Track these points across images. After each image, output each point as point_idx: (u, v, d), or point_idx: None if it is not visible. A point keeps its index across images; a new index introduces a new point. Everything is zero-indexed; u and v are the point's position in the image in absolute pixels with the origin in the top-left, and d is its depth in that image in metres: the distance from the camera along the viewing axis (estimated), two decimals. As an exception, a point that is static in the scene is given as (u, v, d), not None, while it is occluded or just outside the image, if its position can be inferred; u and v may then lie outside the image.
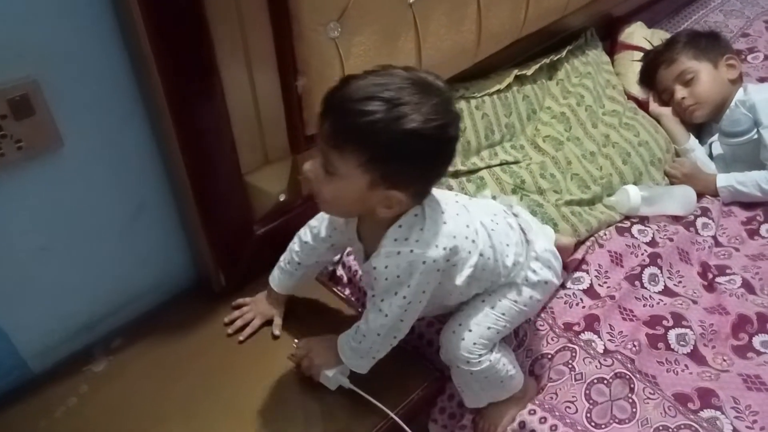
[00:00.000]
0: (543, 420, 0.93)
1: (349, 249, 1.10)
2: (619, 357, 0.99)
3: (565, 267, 1.17)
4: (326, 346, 0.91)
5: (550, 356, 1.02)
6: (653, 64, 1.56)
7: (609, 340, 1.03)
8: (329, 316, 1.04)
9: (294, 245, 0.98)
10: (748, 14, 1.96)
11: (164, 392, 0.94)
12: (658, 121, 1.52)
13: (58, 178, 0.85)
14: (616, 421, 0.91)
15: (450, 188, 1.20)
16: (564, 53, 1.52)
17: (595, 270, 1.17)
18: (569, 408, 0.93)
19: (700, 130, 1.56)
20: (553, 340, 1.05)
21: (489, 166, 1.28)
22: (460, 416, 1.01)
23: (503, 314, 0.90)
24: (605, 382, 0.95)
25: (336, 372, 0.90)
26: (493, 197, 1.02)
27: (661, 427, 0.89)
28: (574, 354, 1.01)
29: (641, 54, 1.63)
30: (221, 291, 1.07)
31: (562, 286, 1.14)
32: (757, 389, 0.95)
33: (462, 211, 0.84)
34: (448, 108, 0.72)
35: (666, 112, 1.53)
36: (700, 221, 1.30)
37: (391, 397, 0.90)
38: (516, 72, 1.40)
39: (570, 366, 0.99)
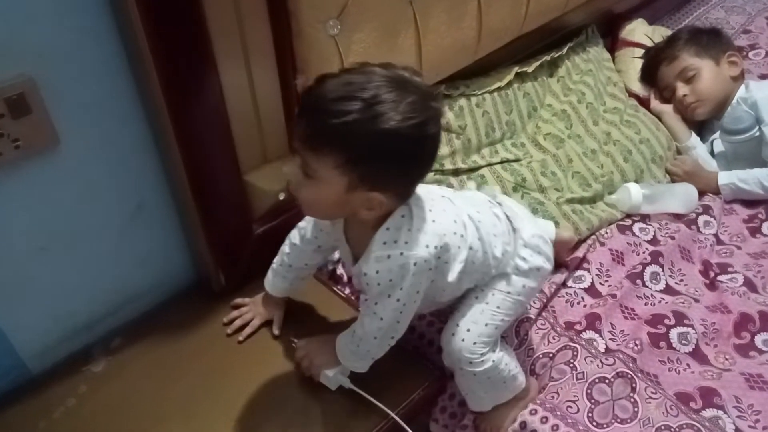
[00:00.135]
0: (544, 420, 0.93)
1: None
2: (621, 356, 0.98)
3: (567, 265, 1.17)
4: (326, 346, 0.90)
5: (551, 355, 1.02)
6: (654, 61, 1.56)
7: (610, 339, 1.03)
8: (329, 315, 1.04)
9: (284, 247, 0.96)
10: (750, 11, 1.95)
11: (164, 392, 0.93)
12: (660, 119, 1.52)
13: (56, 177, 0.85)
14: (618, 420, 0.91)
15: (450, 186, 1.19)
16: (565, 50, 1.52)
17: (597, 268, 1.16)
18: (571, 407, 0.93)
19: (702, 128, 1.56)
20: (554, 339, 1.04)
21: (490, 164, 1.27)
22: (461, 416, 1.01)
23: (498, 308, 0.88)
24: (607, 381, 0.95)
25: (336, 372, 0.90)
26: (477, 188, 1.00)
27: (663, 427, 0.89)
28: (575, 353, 1.00)
29: (642, 51, 1.62)
30: (221, 290, 1.06)
31: (564, 284, 1.13)
32: (759, 388, 0.94)
33: (448, 206, 0.83)
34: (427, 105, 0.69)
35: (667, 109, 1.53)
36: (701, 219, 1.30)
37: (392, 396, 0.90)
38: (517, 69, 1.40)
39: (571, 365, 0.98)
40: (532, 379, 0.99)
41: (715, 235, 1.28)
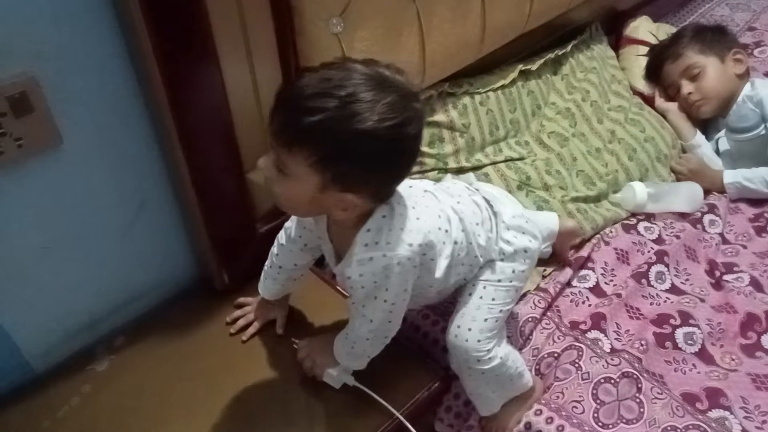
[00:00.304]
0: (550, 420, 0.92)
1: None
2: (626, 356, 0.98)
3: (571, 265, 1.16)
4: (328, 346, 0.90)
5: (556, 355, 1.01)
6: (659, 59, 1.55)
7: (616, 338, 1.02)
8: (332, 313, 1.03)
9: (273, 249, 0.95)
10: (755, 8, 1.94)
11: (167, 391, 0.93)
12: (664, 117, 1.51)
13: (58, 176, 0.85)
14: (624, 421, 0.90)
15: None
16: (569, 48, 1.51)
17: (601, 268, 1.16)
18: (576, 408, 0.93)
19: (707, 126, 1.55)
20: (559, 338, 1.04)
21: (494, 163, 1.26)
22: (467, 415, 1.00)
23: (493, 300, 0.88)
24: (612, 381, 0.95)
25: (340, 370, 0.89)
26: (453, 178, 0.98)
27: (669, 428, 0.88)
28: (580, 353, 1.00)
29: (647, 48, 1.61)
30: (224, 289, 1.06)
31: (568, 284, 1.13)
32: (766, 389, 0.94)
33: (432, 201, 0.82)
34: (407, 105, 0.66)
35: (672, 107, 1.52)
36: (707, 218, 1.29)
37: (397, 396, 0.90)
38: (520, 67, 1.39)
39: (576, 365, 0.98)
40: (537, 379, 0.99)
41: (721, 234, 1.27)
